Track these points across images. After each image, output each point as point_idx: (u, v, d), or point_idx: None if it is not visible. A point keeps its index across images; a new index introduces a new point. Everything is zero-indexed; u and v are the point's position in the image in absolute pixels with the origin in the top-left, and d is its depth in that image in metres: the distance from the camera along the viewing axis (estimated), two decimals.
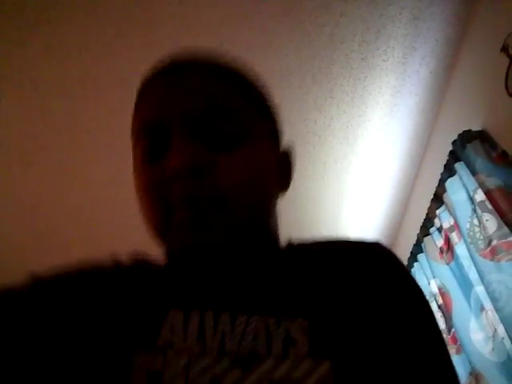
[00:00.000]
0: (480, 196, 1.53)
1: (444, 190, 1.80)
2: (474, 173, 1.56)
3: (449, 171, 1.75)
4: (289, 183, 0.59)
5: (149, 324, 0.44)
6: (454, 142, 1.73)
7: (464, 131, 1.67)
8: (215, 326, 0.44)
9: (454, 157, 1.71)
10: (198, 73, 0.48)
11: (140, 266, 0.54)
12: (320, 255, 0.52)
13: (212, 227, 0.45)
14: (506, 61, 1.48)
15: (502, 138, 1.53)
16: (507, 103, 1.48)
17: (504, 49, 1.51)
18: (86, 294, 0.47)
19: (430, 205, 1.94)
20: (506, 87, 1.47)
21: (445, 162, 1.79)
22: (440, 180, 1.83)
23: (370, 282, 0.49)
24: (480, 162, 1.53)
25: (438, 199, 1.87)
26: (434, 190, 1.89)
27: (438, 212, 1.88)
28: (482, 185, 1.51)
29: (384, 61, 2.03)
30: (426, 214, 1.98)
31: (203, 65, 0.50)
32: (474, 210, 1.57)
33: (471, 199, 1.59)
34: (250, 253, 0.52)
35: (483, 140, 1.57)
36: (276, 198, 0.56)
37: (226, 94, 0.49)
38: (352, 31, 1.95)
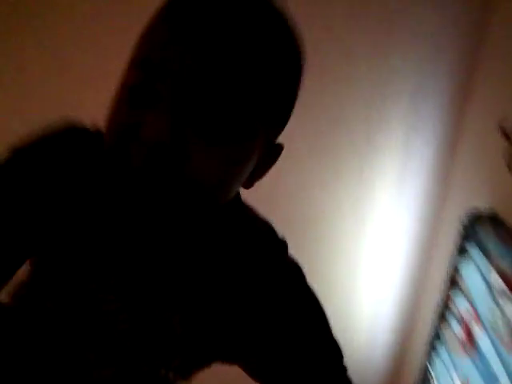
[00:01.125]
0: (497, 281, 1.44)
1: (458, 273, 1.70)
2: (487, 255, 1.49)
3: (461, 253, 1.67)
4: (264, 173, 0.52)
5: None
6: (463, 223, 1.67)
7: (472, 211, 1.62)
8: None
9: (465, 238, 1.64)
10: (224, 29, 0.40)
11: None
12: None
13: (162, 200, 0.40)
14: (505, 142, 1.48)
15: (511, 218, 1.47)
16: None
17: (501, 131, 1.51)
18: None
19: (445, 289, 1.82)
20: (509, 168, 1.45)
21: (456, 243, 1.72)
22: (453, 262, 1.74)
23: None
24: (493, 244, 1.46)
25: (453, 283, 1.77)
26: (447, 272, 1.79)
27: (453, 297, 1.77)
28: (497, 268, 1.43)
29: (387, 141, 2.04)
30: (442, 300, 1.86)
31: (233, 19, 0.41)
32: (493, 297, 1.46)
33: (488, 284, 1.50)
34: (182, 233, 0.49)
35: (493, 220, 1.51)
36: (235, 190, 0.49)
37: (243, 68, 0.40)
38: (354, 112, 2.00)
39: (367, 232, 2.27)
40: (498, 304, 1.43)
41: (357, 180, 2.15)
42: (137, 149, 0.39)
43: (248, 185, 0.50)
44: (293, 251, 0.63)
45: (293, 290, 0.56)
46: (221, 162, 0.40)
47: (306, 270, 0.64)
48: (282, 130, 0.50)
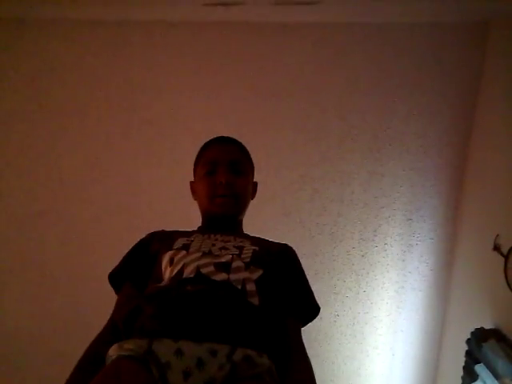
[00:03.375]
0: None
1: None
2: (497, 376, 1.43)
3: (470, 375, 1.60)
4: (254, 196, 1.19)
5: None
6: (468, 341, 1.63)
7: (476, 329, 1.59)
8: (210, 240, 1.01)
9: (472, 357, 1.59)
10: (228, 144, 1.14)
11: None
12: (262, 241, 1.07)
13: (229, 204, 1.07)
14: (501, 258, 1.53)
15: None
16: None
17: (496, 248, 1.57)
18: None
19: None
20: (508, 284, 1.47)
21: (463, 363, 1.66)
22: None
23: (283, 261, 1.02)
24: (502, 365, 1.42)
25: None
26: None
27: None
28: None
29: (384, 257, 2.09)
30: None
31: (229, 140, 1.15)
32: None
33: None
34: (233, 222, 1.12)
35: (498, 339, 1.49)
36: (249, 201, 1.15)
37: (240, 154, 1.13)
38: (350, 230, 2.08)
39: (369, 352, 2.19)
40: None
41: (354, 296, 2.15)
42: (219, 184, 1.07)
43: (251, 199, 1.17)
44: None
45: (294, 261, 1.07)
46: (242, 183, 1.10)
47: None
48: (253, 174, 1.19)
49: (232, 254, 0.93)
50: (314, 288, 1.03)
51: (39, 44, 1.96)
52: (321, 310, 1.00)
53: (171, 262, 0.93)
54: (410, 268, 2.09)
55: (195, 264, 0.89)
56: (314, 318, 1.02)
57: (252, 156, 1.17)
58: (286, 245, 1.08)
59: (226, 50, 1.94)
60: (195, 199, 1.15)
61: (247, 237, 1.07)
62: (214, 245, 0.97)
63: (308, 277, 1.05)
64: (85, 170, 2.05)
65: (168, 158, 2.03)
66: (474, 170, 1.90)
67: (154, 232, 1.09)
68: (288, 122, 1.99)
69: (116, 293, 1.02)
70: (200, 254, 0.92)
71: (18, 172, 2.06)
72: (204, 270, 0.87)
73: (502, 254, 1.54)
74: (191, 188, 1.18)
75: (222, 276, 0.87)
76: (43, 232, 2.10)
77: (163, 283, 0.90)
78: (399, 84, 1.93)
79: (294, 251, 1.08)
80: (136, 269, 1.01)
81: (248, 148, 1.18)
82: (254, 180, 1.19)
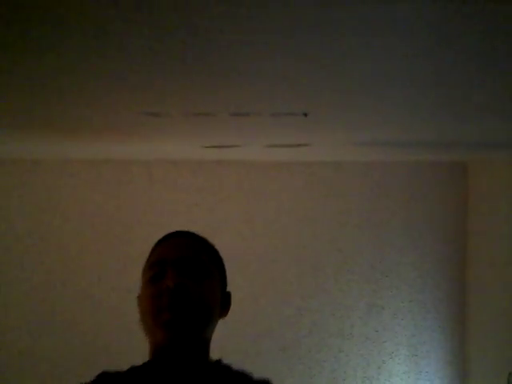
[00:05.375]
0: None
1: None
2: None
3: None
4: (227, 312, 0.89)
5: None
6: None
7: None
8: None
9: None
10: (184, 239, 0.89)
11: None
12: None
13: (181, 321, 0.78)
14: None
15: None
16: None
17: None
18: None
19: None
20: None
21: None
22: None
23: None
24: None
25: None
26: None
27: None
28: None
29: None
30: None
31: (187, 235, 0.90)
32: None
33: None
34: (192, 349, 0.82)
35: None
36: (217, 317, 0.86)
37: (198, 250, 0.87)
38: (353, 367, 1.96)
39: None
40: None
41: None
42: (165, 289, 0.80)
43: (221, 315, 0.87)
44: None
45: None
46: (200, 288, 0.82)
47: None
48: (226, 281, 0.90)
49: None
50: None
51: (47, 182, 2.09)
52: None
53: None
54: None
55: None
56: None
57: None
58: None
59: (223, 186, 2.07)
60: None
61: (212, 381, 0.83)
62: None
63: None
64: (77, 304, 2.01)
65: None
66: (475, 301, 1.87)
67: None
68: (283, 254, 2.02)
69: None
70: None
71: (12, 304, 2.02)
72: None
73: None
74: (138, 304, 0.87)
75: None
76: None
77: None
78: (390, 217, 2.02)
79: None
80: None
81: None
82: (228, 290, 0.89)
